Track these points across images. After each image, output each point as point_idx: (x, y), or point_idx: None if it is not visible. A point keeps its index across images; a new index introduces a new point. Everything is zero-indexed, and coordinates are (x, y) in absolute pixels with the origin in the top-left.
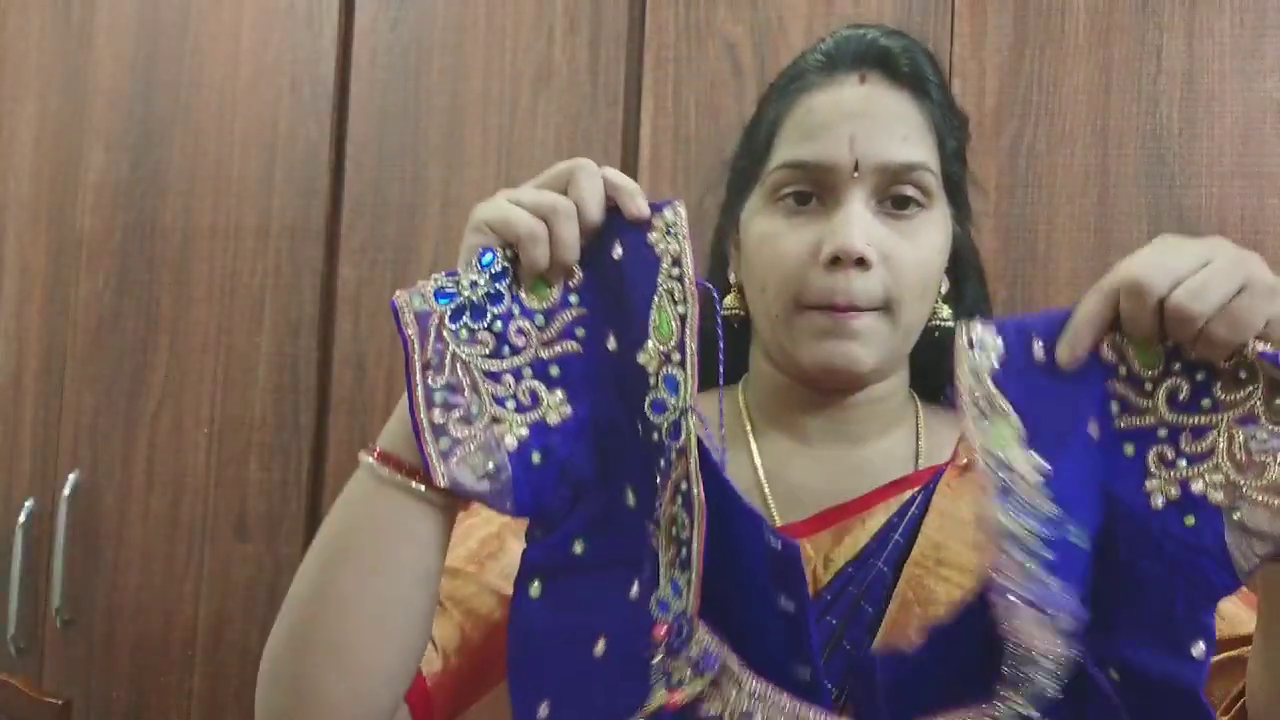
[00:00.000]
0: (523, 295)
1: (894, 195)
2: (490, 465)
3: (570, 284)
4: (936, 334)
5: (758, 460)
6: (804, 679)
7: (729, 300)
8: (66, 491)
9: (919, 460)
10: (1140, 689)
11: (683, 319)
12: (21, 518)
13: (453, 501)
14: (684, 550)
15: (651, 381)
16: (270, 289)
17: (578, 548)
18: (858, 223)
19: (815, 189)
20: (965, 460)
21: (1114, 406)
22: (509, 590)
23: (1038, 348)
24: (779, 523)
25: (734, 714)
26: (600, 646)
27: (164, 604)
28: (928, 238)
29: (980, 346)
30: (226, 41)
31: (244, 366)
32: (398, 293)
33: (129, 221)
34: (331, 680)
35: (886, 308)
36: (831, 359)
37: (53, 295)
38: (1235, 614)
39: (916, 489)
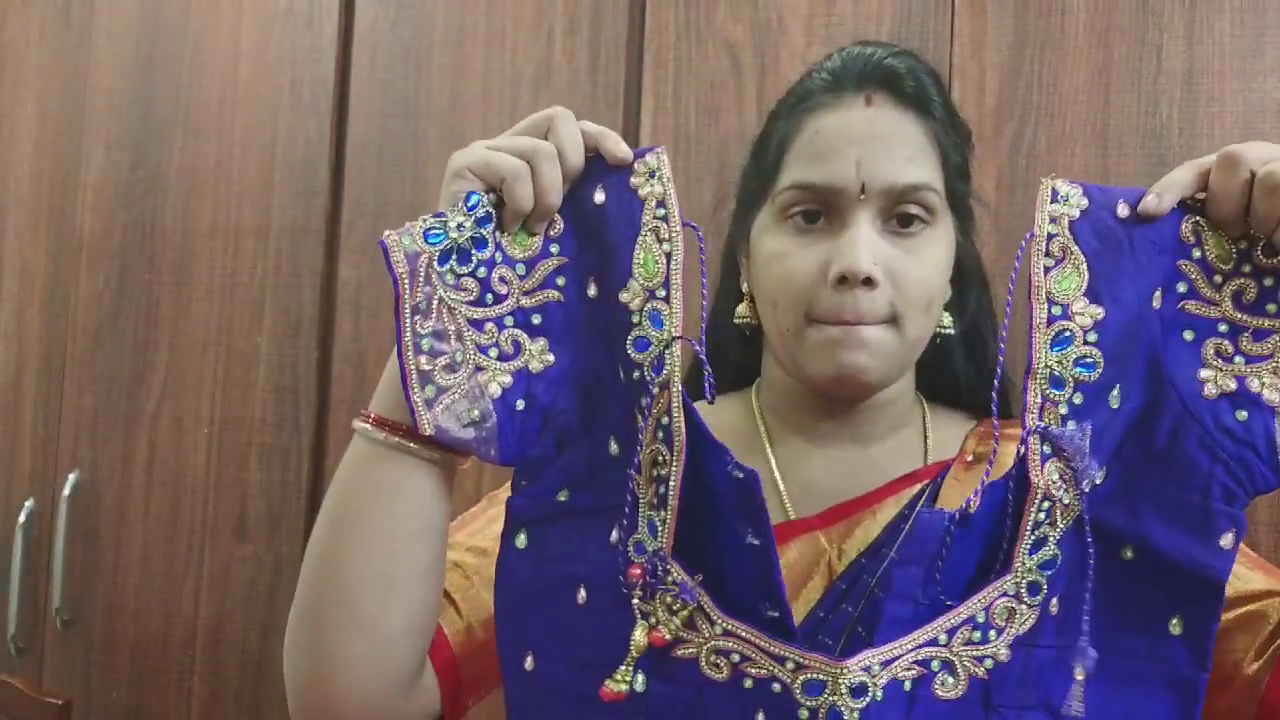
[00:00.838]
0: (505, 243)
1: (899, 214)
2: (475, 413)
3: (551, 234)
4: (939, 340)
5: (773, 461)
6: (773, 618)
7: (741, 309)
8: (66, 491)
9: (927, 456)
10: (1160, 570)
11: (668, 256)
12: (21, 518)
13: (447, 457)
14: (662, 488)
15: (635, 319)
16: (270, 289)
17: (562, 496)
18: (864, 244)
19: (823, 209)
20: (971, 455)
21: (1181, 286)
22: None
23: (1121, 205)
24: (793, 517)
25: (710, 653)
26: (582, 594)
27: (164, 604)
28: (931, 254)
29: (1064, 199)
30: (226, 41)
31: (244, 366)
32: (387, 233)
33: (129, 221)
34: (345, 640)
35: (893, 321)
36: (840, 370)
37: (53, 295)
38: (1246, 574)
39: (925, 483)
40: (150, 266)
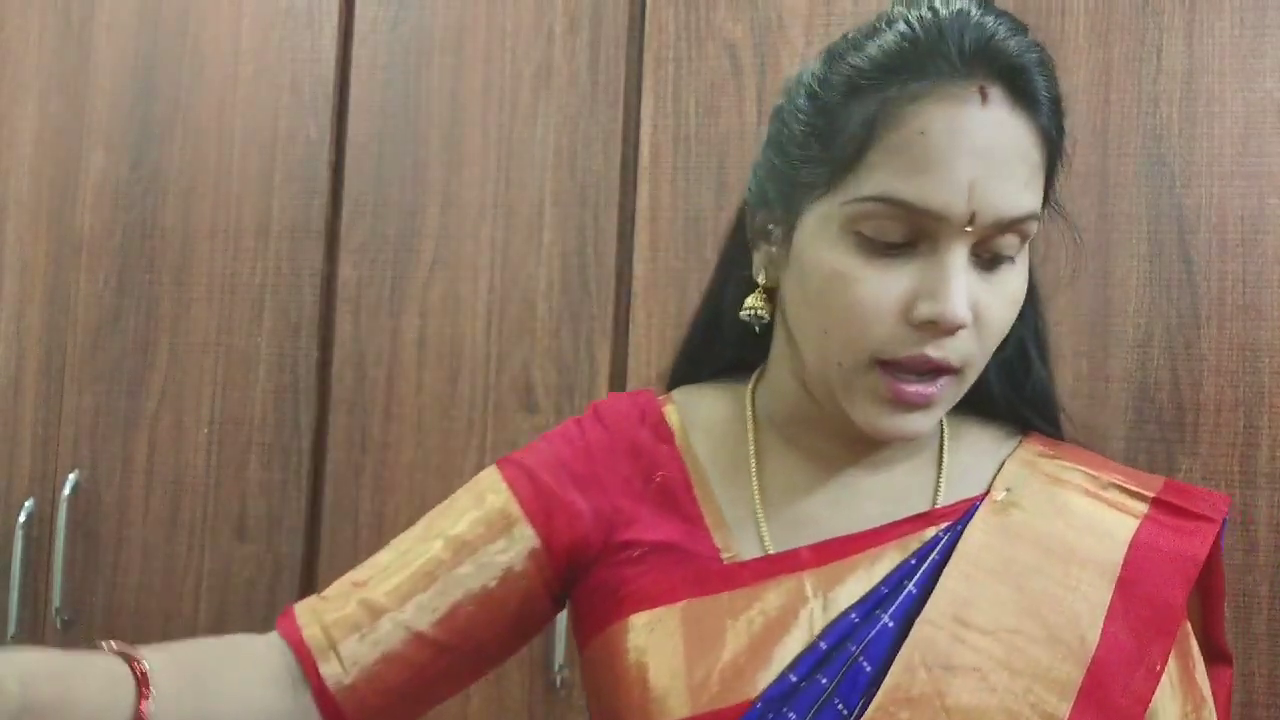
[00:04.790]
0: None
1: (994, 250)
2: None
3: None
4: None
5: (754, 480)
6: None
7: (752, 300)
8: (66, 491)
9: (940, 488)
10: None
11: None
12: (21, 518)
13: None
14: None
15: None
16: (270, 289)
17: None
18: (962, 285)
19: (912, 233)
20: (1004, 493)
21: None
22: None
23: None
24: (770, 549)
25: None
26: None
27: (164, 604)
28: (1013, 289)
29: None
30: (226, 41)
31: (244, 366)
32: None
33: (129, 221)
34: None
35: (963, 369)
36: (891, 430)
37: (53, 295)
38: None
39: (941, 526)
40: (150, 266)
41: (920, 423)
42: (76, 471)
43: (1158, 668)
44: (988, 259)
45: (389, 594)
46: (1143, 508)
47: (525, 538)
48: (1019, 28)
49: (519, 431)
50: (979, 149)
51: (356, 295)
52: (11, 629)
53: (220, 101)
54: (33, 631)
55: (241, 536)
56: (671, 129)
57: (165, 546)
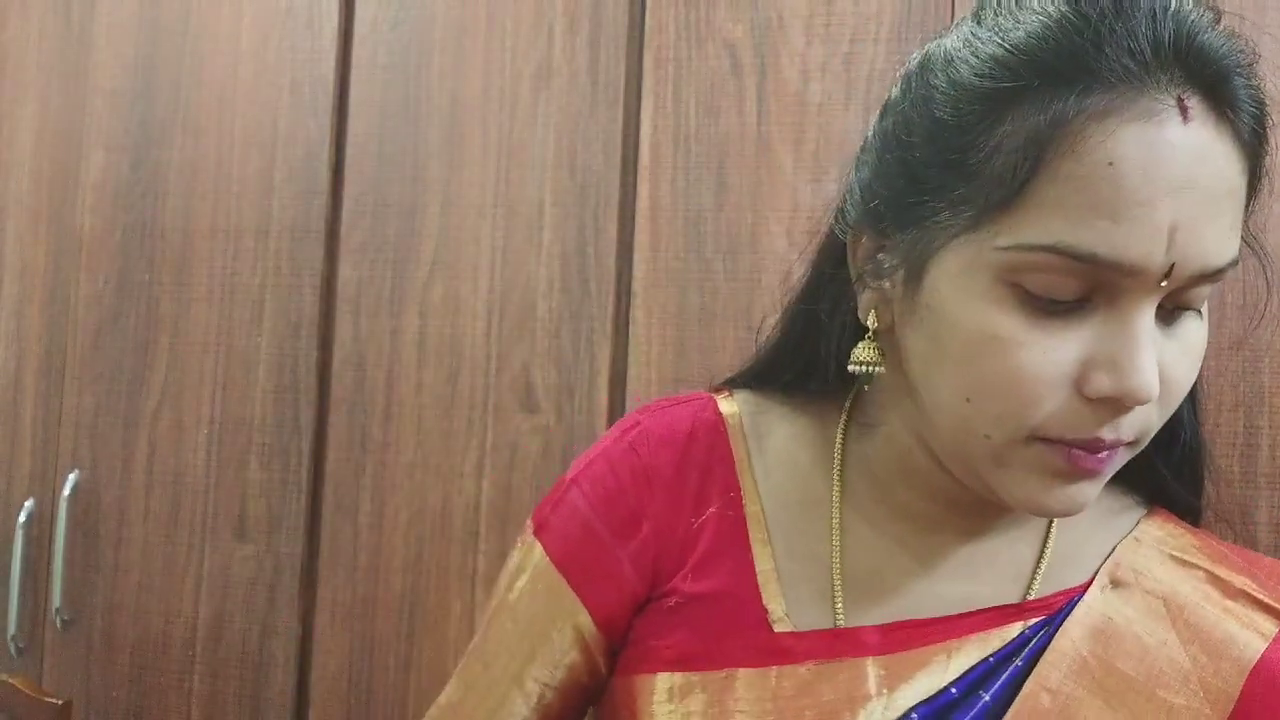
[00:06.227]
0: None
1: (1181, 301)
2: None
3: None
4: None
5: (835, 529)
6: None
7: (863, 352)
8: (66, 491)
9: (1038, 572)
10: None
11: None
12: (21, 518)
13: None
14: None
15: None
16: (270, 289)
17: None
18: (1151, 354)
19: (1088, 288)
20: (1108, 586)
21: None
22: None
23: None
24: (843, 619)
25: None
26: None
27: (164, 604)
28: (1197, 341)
29: None
30: (226, 41)
31: (244, 366)
32: None
33: (129, 221)
34: None
35: (1139, 440)
36: (1057, 507)
37: (53, 295)
38: None
39: (1030, 623)
40: (150, 266)
41: (1089, 493)
42: (76, 471)
43: None
44: (1169, 309)
45: None
46: (1273, 627)
47: (581, 626)
48: (1215, 15)
49: (519, 432)
50: (1180, 183)
51: (356, 295)
52: (11, 629)
53: (220, 101)
54: (33, 631)
55: (241, 536)
56: (671, 129)
57: (165, 546)
